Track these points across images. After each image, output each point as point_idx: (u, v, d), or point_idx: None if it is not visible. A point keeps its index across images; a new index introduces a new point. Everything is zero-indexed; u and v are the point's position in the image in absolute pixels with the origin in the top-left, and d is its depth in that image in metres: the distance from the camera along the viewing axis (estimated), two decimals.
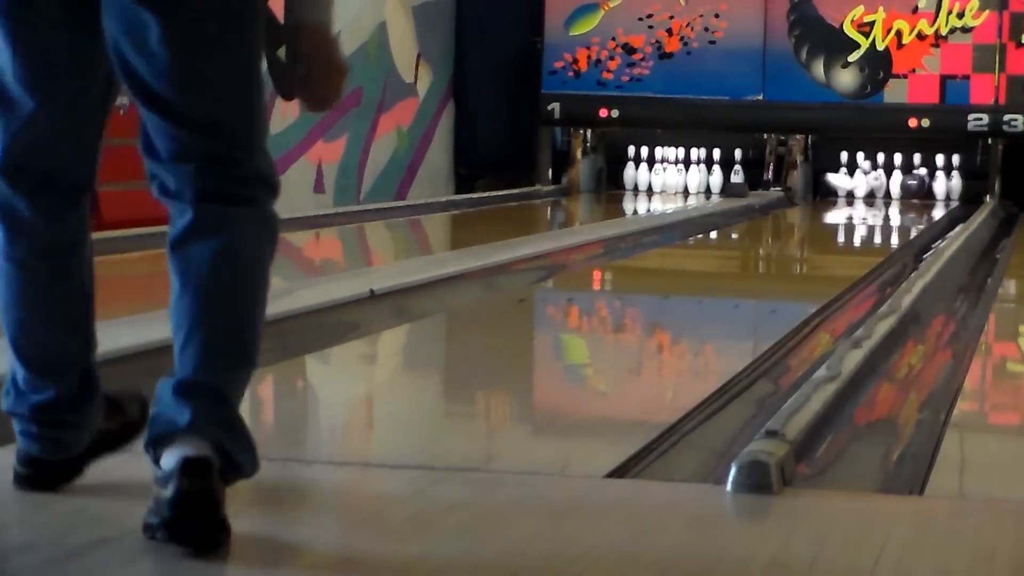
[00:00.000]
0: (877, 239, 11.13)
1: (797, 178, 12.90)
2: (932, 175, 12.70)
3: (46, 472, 2.67)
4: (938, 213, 11.96)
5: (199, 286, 2.45)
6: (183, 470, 2.35)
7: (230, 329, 2.48)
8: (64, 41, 2.52)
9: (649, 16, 13.07)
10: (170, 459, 2.38)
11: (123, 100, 2.62)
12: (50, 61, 2.52)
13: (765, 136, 13.00)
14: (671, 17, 13.04)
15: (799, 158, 12.94)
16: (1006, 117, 12.37)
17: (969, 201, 12.29)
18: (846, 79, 12.73)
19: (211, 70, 2.44)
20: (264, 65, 2.49)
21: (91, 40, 2.49)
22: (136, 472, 2.71)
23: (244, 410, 2.50)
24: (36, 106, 2.53)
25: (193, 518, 2.35)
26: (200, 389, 2.44)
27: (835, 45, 12.74)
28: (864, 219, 11.98)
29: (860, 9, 12.72)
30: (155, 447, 2.43)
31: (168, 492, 2.35)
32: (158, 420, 2.45)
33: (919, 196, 12.47)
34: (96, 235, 2.71)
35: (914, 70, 12.61)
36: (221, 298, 2.46)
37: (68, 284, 2.63)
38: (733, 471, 2.85)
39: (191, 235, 2.45)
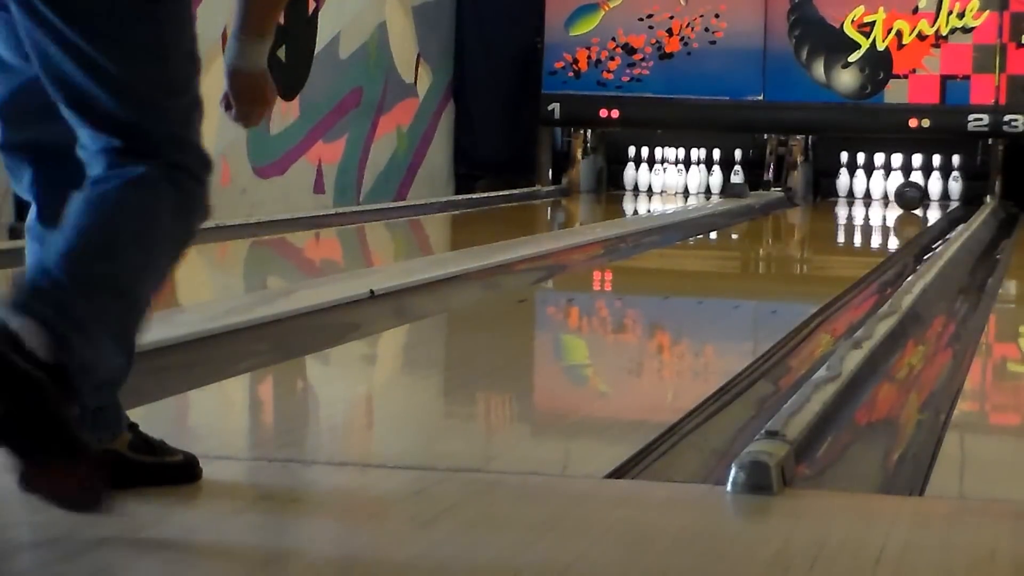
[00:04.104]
0: (877, 240, 11.13)
1: (797, 178, 12.91)
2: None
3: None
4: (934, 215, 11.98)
5: (87, 207, 2.49)
6: None
7: (96, 249, 2.47)
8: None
9: (649, 16, 13.08)
10: None
11: None
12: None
13: (765, 136, 13.00)
14: (671, 17, 13.05)
15: (799, 158, 12.95)
16: (1006, 117, 12.37)
17: (969, 202, 12.30)
18: (846, 79, 12.74)
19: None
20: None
21: None
22: None
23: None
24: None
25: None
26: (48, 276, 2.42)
27: (835, 45, 12.74)
28: (866, 219, 11.99)
29: (860, 9, 12.73)
30: None
31: None
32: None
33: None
34: None
35: (914, 70, 12.62)
36: (101, 222, 2.49)
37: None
38: (733, 471, 2.85)
39: (93, 183, 2.53)
